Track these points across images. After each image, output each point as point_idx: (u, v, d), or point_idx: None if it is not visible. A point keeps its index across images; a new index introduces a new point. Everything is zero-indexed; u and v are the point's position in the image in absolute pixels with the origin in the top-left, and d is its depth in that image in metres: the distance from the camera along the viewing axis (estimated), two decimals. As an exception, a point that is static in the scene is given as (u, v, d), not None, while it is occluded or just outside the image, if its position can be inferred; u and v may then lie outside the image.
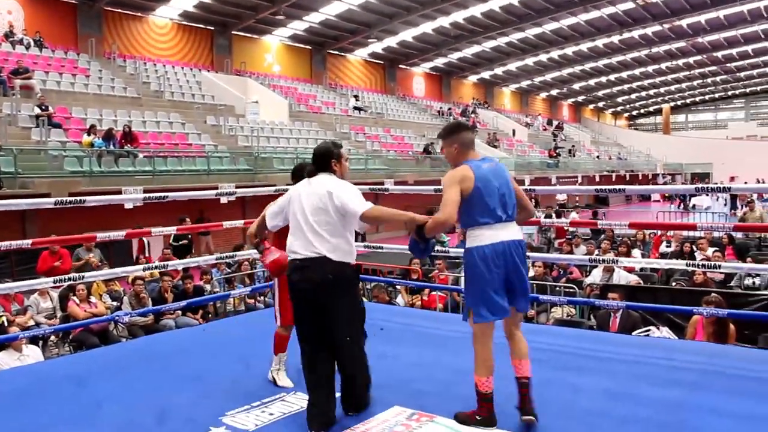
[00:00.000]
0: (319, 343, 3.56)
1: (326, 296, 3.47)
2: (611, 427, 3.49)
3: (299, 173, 4.00)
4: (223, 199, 7.11)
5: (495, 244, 3.39)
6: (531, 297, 7.27)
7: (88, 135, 15.04)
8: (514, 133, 39.71)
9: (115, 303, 8.38)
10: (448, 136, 3.56)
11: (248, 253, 9.59)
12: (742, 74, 51.06)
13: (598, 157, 44.94)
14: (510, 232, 3.45)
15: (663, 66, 45.70)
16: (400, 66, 37.65)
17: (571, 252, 10.80)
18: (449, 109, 38.43)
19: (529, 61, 41.23)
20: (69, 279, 5.88)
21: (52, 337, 7.52)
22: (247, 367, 4.65)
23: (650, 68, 46.27)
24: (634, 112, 66.80)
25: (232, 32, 27.71)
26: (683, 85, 54.58)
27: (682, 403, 3.83)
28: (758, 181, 32.13)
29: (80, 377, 3.85)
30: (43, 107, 15.64)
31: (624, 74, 47.93)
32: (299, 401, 3.92)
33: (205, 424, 3.58)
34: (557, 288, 8.19)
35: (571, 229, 13.27)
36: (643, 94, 57.63)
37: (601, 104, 61.09)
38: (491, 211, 3.40)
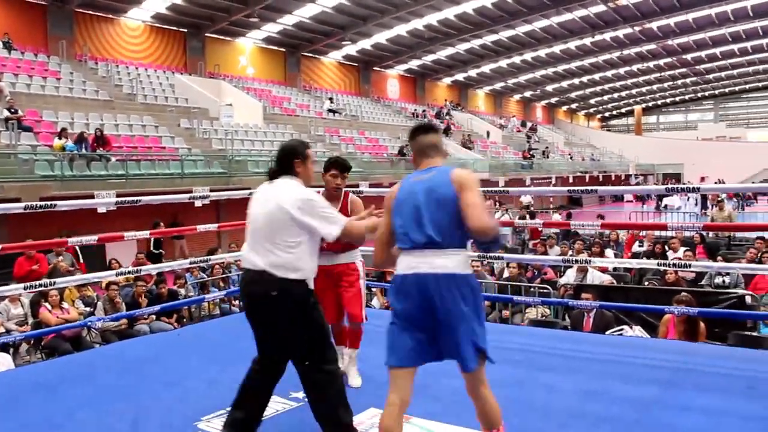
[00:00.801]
0: (261, 355, 3.33)
1: (270, 314, 3.15)
2: (586, 426, 3.53)
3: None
4: (198, 203, 7.06)
5: (406, 276, 2.77)
6: (504, 298, 7.38)
7: (60, 138, 14.85)
8: (488, 135, 39.96)
9: (88, 309, 8.28)
10: (409, 141, 3.07)
11: (222, 257, 9.54)
12: (711, 76, 52.01)
13: (571, 158, 45.38)
14: (430, 262, 2.72)
15: (634, 68, 46.32)
16: (375, 68, 37.70)
17: (545, 253, 10.89)
18: (423, 111, 38.57)
19: (503, 63, 41.53)
20: (40, 285, 5.80)
21: (24, 345, 7.40)
22: (223, 370, 4.63)
23: (622, 70, 46.87)
24: (607, 114, 67.60)
25: (206, 34, 27.54)
26: (654, 87, 55.38)
27: (655, 400, 3.89)
28: (719, 182, 32.70)
29: (52, 384, 3.80)
30: (13, 110, 15.41)
31: (596, 76, 48.50)
32: (275, 404, 3.91)
33: (180, 429, 3.56)
34: (531, 289, 8.25)
35: (546, 230, 13.38)
36: (615, 95, 58.37)
37: (574, 106, 61.74)
38: (400, 234, 2.81)
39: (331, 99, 31.45)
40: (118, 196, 5.81)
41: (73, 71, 20.94)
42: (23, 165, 13.65)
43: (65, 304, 7.92)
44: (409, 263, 2.76)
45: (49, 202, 5.45)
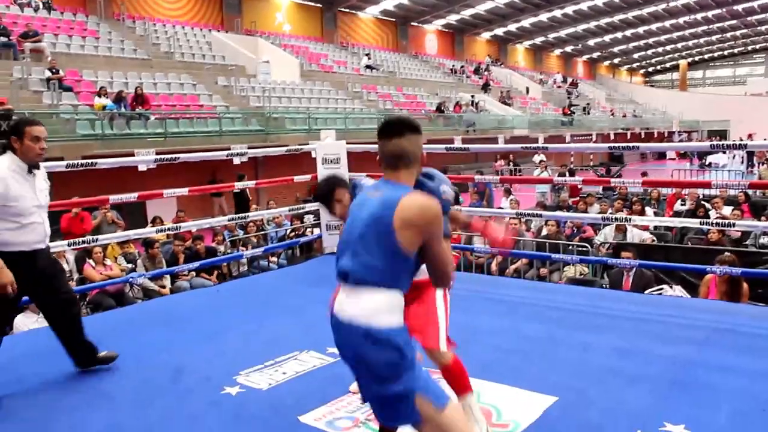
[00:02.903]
0: None
1: None
2: (621, 384, 3.50)
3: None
4: (236, 160, 7.10)
5: (332, 316, 2.28)
6: (542, 255, 7.33)
7: (99, 97, 15.03)
8: (527, 91, 39.27)
9: (130, 265, 8.46)
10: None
11: (259, 214, 9.63)
12: (763, 28, 49.88)
13: (612, 114, 44.43)
14: (349, 304, 2.20)
15: (681, 20, 44.80)
16: (412, 23, 37.12)
17: (585, 211, 10.74)
18: (462, 66, 37.97)
19: (543, 17, 40.54)
20: (84, 242, 5.93)
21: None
22: (260, 326, 4.70)
23: (668, 23, 45.39)
24: (650, 69, 65.77)
25: (242, -9, 27.40)
26: (701, 40, 53.52)
27: (693, 360, 3.84)
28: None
29: (97, 338, 3.90)
30: (54, 70, 15.59)
31: (640, 29, 47.06)
32: (312, 359, 3.97)
33: (219, 383, 3.63)
34: (570, 247, 8.17)
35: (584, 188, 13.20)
36: (660, 50, 56.60)
37: (616, 60, 60.12)
38: (336, 261, 2.32)
39: (368, 55, 31.14)
40: (157, 153, 5.86)
41: (111, 30, 21.04)
42: (65, 124, 13.86)
43: (108, 261, 8.11)
44: (339, 298, 2.26)
45: (90, 161, 5.53)
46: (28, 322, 6.10)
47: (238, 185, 9.90)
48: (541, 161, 17.34)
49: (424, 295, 2.89)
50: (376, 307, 2.14)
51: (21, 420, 3.30)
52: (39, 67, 16.05)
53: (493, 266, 8.45)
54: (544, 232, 9.16)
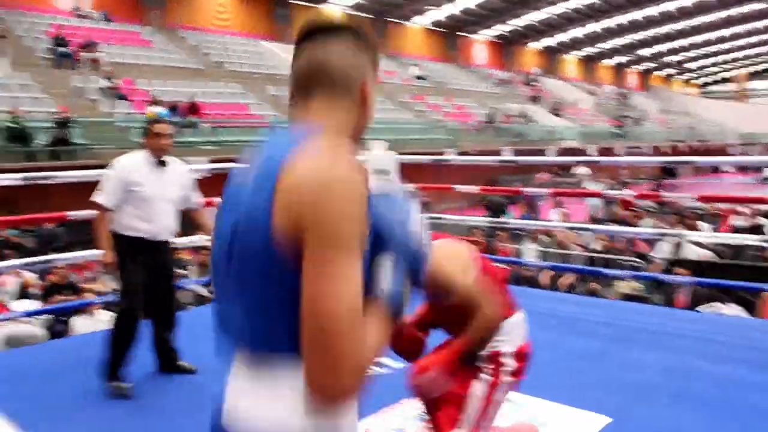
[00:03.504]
0: None
1: None
2: (665, 401, 3.41)
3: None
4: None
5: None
6: (593, 271, 7.18)
7: (153, 106, 15.39)
8: (578, 102, 38.81)
9: (182, 271, 8.59)
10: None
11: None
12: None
13: (666, 126, 43.55)
14: (254, 404, 1.11)
15: (740, 29, 43.70)
16: (461, 34, 37.08)
17: (637, 225, 10.52)
18: (511, 77, 37.75)
19: (595, 26, 40.04)
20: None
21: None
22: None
23: (726, 32, 44.31)
24: (707, 80, 64.26)
25: (292, 2, 27.73)
26: (763, 49, 52.01)
27: (743, 380, 3.71)
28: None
29: (148, 344, 3.97)
30: (110, 80, 16.04)
31: (697, 39, 46.05)
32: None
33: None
34: (622, 262, 8.00)
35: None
36: (718, 59, 55.25)
37: (670, 71, 58.95)
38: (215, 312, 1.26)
39: (417, 65, 31.20)
40: (210, 162, 5.96)
41: (165, 41, 21.56)
42: (120, 132, 14.22)
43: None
44: (231, 387, 1.16)
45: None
46: (86, 324, 6.21)
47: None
48: (584, 174, 17.06)
49: (454, 394, 2.30)
50: (285, 405, 1.09)
51: (103, 418, 3.36)
52: (96, 76, 16.55)
53: (544, 280, 8.32)
54: (598, 246, 9.00)
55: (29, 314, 6.19)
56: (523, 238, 9.41)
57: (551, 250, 8.58)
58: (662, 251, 8.40)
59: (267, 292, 1.10)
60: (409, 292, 1.17)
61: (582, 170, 23.12)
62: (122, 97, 15.94)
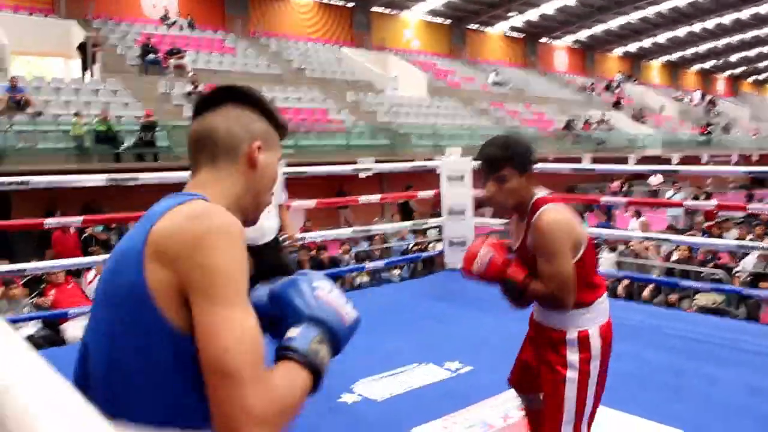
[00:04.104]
0: None
1: None
2: (751, 424, 3.29)
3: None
4: (361, 175, 7.27)
5: None
6: (671, 282, 6.98)
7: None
8: (662, 109, 37.64)
9: (256, 271, 8.82)
10: None
11: (382, 228, 9.79)
12: None
13: (756, 134, 41.68)
14: None
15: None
16: (541, 40, 36.59)
17: (720, 236, 10.16)
18: (592, 84, 36.97)
19: (681, 32, 38.75)
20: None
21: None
22: (379, 337, 4.78)
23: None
24: (801, 86, 61.25)
25: (371, 9, 28.02)
26: None
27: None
28: None
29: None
30: (195, 85, 16.62)
31: (790, 44, 44.04)
32: (429, 373, 4.00)
33: (336, 390, 3.73)
34: (702, 274, 7.75)
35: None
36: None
37: (762, 77, 56.45)
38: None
39: (496, 71, 30.99)
40: (288, 165, 6.11)
41: (248, 47, 22.16)
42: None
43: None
44: None
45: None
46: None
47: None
48: (657, 183, 16.51)
49: (556, 380, 2.25)
50: None
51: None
52: (181, 81, 17.18)
53: (620, 290, 8.15)
54: (675, 256, 8.74)
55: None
56: (600, 247, 9.24)
57: (629, 260, 8.39)
58: (748, 264, 8.09)
59: (133, 361, 1.05)
60: (324, 353, 1.17)
61: (654, 179, 22.41)
62: (206, 102, 16.47)
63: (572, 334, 2.22)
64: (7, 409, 0.66)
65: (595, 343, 2.23)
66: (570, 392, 2.20)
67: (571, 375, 2.21)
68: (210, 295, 1.01)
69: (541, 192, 2.24)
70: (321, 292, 1.21)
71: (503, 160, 2.16)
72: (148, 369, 1.04)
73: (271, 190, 1.31)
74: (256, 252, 3.85)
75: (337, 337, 1.21)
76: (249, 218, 1.29)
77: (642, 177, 23.55)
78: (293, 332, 1.15)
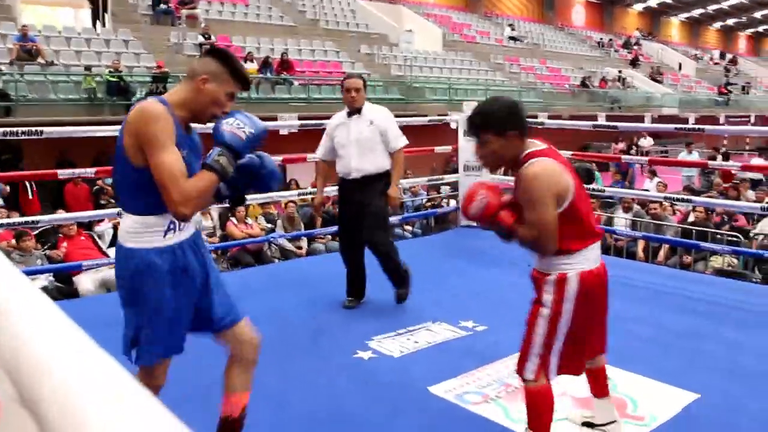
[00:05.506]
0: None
1: None
2: (758, 383, 3.26)
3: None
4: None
5: None
6: (690, 243, 6.91)
7: (244, 62, 15.64)
8: (680, 67, 36.96)
9: (269, 225, 8.80)
10: None
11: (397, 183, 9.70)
12: None
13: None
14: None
15: None
16: (560, -7, 35.86)
17: (737, 198, 10.03)
18: (610, 40, 36.27)
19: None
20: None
21: (212, 254, 8.02)
22: (393, 293, 4.75)
23: None
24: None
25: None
26: None
27: None
28: None
29: (237, 294, 4.08)
30: (207, 36, 16.40)
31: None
32: (444, 331, 3.97)
33: (352, 346, 3.72)
34: (719, 236, 7.65)
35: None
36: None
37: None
38: None
39: (511, 26, 30.43)
40: (299, 119, 6.03)
41: (262, -3, 21.81)
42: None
43: (249, 220, 8.47)
44: None
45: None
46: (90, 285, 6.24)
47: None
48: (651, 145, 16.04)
49: (529, 314, 2.50)
50: (123, 227, 2.21)
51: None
52: (193, 32, 16.95)
53: (640, 253, 8.04)
54: (691, 218, 8.64)
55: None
56: (615, 207, 9.14)
57: (645, 220, 8.29)
58: (765, 226, 7.99)
59: (116, 173, 2.18)
60: (227, 163, 2.10)
61: (644, 141, 21.99)
62: (218, 53, 16.28)
63: (552, 277, 2.41)
64: (22, 362, 0.67)
65: (572, 286, 2.38)
66: (540, 328, 2.42)
67: (544, 312, 2.41)
68: (150, 147, 2.03)
69: (534, 146, 2.41)
70: (225, 125, 2.12)
71: (481, 126, 2.41)
72: (128, 185, 2.16)
73: (207, 108, 2.19)
74: (347, 185, 4.51)
75: (234, 149, 2.11)
76: (196, 118, 2.23)
77: (657, 137, 23.20)
78: (209, 153, 2.13)
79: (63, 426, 0.52)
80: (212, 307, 2.33)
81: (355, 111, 4.45)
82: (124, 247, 2.18)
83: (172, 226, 2.17)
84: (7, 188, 10.29)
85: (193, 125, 2.28)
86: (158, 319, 2.17)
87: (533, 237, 2.36)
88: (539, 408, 2.50)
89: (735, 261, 7.39)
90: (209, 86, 2.17)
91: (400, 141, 4.54)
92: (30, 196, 10.73)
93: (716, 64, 42.45)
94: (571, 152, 7.56)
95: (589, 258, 2.43)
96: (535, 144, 2.43)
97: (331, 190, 5.82)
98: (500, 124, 2.38)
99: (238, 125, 2.10)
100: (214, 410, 2.46)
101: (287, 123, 5.98)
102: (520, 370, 2.49)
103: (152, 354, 2.22)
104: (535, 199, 2.32)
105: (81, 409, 0.51)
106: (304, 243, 8.38)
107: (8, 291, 0.82)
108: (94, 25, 17.04)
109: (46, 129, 4.86)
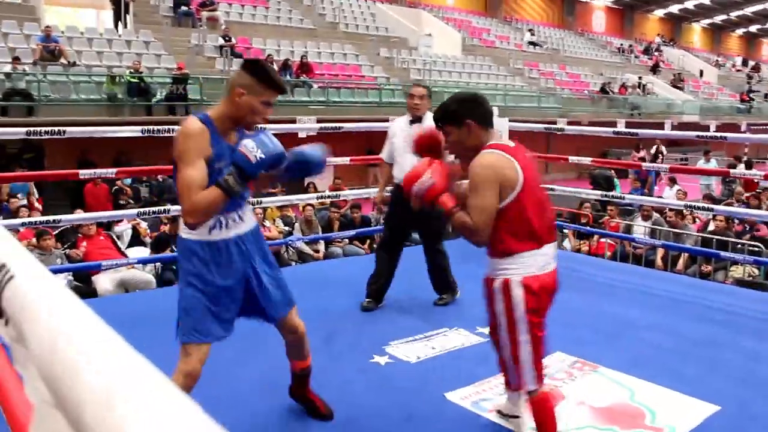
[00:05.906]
0: None
1: None
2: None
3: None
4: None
5: None
6: (709, 252, 6.84)
7: (267, 65, 15.70)
8: (701, 74, 36.65)
9: (287, 228, 8.83)
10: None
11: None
12: None
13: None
14: None
15: None
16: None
17: (759, 207, 9.92)
18: (630, 46, 36.06)
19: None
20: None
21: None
22: (411, 299, 4.75)
23: None
24: None
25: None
26: None
27: None
28: None
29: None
30: (227, 38, 16.50)
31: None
32: (461, 337, 3.97)
33: (369, 351, 3.72)
34: (739, 245, 7.58)
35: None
36: None
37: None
38: None
39: (531, 31, 30.33)
40: (318, 121, 6.04)
41: (281, 0, 21.88)
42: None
43: (267, 223, 8.51)
44: None
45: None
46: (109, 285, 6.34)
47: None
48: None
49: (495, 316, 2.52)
50: (181, 224, 2.53)
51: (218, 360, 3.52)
52: (213, 34, 17.06)
53: (658, 261, 7.99)
54: (711, 227, 8.56)
55: (143, 261, 6.55)
56: (634, 215, 9.08)
57: (664, 228, 8.23)
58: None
59: (174, 182, 2.42)
60: (234, 183, 2.27)
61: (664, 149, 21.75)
62: (238, 56, 16.35)
63: (497, 283, 2.45)
64: (56, 364, 0.65)
65: (517, 293, 2.40)
66: (504, 340, 2.49)
67: (502, 322, 2.46)
68: (179, 160, 2.32)
69: (498, 141, 2.54)
70: (242, 147, 2.27)
71: (442, 120, 2.56)
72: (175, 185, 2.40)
73: (246, 117, 2.44)
74: (398, 188, 4.38)
75: (244, 170, 2.26)
76: (243, 127, 2.52)
77: (676, 144, 23.00)
78: (225, 170, 2.34)
79: (100, 429, 0.53)
80: (260, 300, 2.68)
81: (417, 119, 4.51)
82: (179, 237, 2.57)
83: (217, 225, 2.49)
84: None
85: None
86: (194, 302, 2.48)
87: (468, 224, 2.41)
88: (548, 415, 2.54)
89: (756, 271, 7.33)
90: (245, 98, 2.40)
91: None
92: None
93: (738, 71, 42.04)
94: (590, 159, 7.53)
95: (531, 264, 2.43)
96: (502, 140, 2.58)
97: (350, 194, 5.84)
98: (457, 115, 2.50)
99: (251, 149, 2.26)
100: (246, 413, 2.49)
101: (306, 126, 5.99)
102: (520, 385, 2.51)
103: (186, 333, 2.50)
104: (476, 184, 2.39)
105: (118, 411, 0.52)
106: (321, 246, 8.39)
107: (39, 291, 0.83)
108: (115, 26, 17.18)
109: (69, 129, 4.90)
